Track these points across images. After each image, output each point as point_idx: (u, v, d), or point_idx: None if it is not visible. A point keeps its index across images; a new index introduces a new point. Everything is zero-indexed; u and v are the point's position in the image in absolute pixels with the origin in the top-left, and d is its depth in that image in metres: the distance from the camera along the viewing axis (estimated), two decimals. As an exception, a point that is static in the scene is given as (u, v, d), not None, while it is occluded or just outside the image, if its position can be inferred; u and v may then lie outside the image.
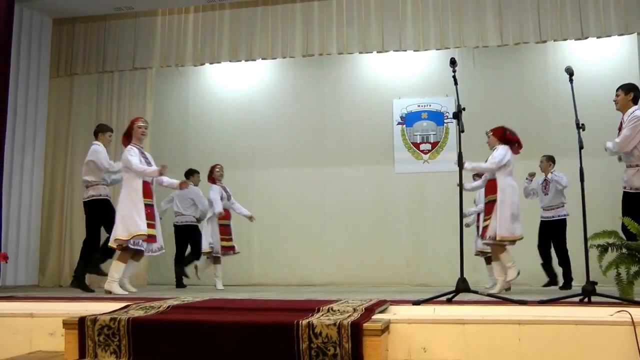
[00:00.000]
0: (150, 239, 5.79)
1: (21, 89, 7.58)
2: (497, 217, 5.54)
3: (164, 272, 8.44)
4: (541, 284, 6.90)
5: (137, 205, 5.67)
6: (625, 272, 4.43)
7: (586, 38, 6.97)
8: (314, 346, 3.19)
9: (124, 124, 7.97)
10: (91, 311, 3.78)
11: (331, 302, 3.88)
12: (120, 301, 4.20)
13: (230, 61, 7.99)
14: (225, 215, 7.12)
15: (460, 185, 4.57)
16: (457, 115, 4.47)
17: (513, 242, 5.63)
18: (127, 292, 5.69)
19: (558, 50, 8.04)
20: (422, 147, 8.54)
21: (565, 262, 6.84)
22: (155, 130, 8.24)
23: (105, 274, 6.05)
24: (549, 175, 6.99)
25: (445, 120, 8.51)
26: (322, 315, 3.44)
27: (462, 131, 4.43)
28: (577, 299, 4.07)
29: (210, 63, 8.13)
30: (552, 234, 6.98)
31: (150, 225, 5.77)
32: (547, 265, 6.99)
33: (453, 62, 4.59)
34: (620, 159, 5.48)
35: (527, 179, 7.23)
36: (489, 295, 4.46)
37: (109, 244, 5.79)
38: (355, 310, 3.53)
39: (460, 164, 4.56)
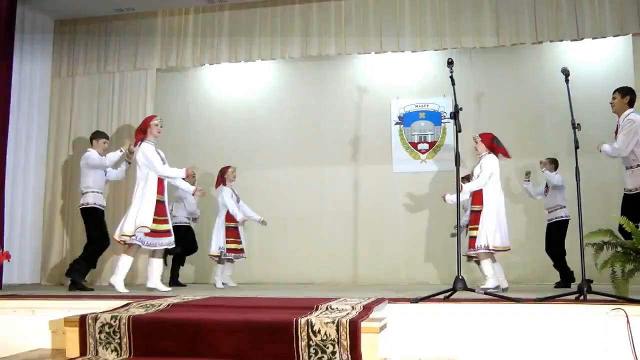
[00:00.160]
0: (160, 234, 5.84)
1: (23, 90, 7.60)
2: (485, 227, 5.55)
3: (165, 272, 8.45)
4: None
5: (148, 202, 5.76)
6: (620, 270, 4.47)
7: (582, 39, 6.99)
8: (313, 344, 3.22)
9: (125, 124, 8.06)
10: (92, 309, 3.80)
11: (330, 300, 3.91)
12: (121, 299, 4.24)
13: (230, 62, 8.01)
14: (233, 217, 7.19)
15: (458, 185, 4.61)
16: (454, 115, 4.52)
17: (504, 251, 5.65)
18: (127, 291, 5.74)
19: (554, 51, 8.07)
20: (420, 146, 8.58)
21: (559, 265, 6.80)
22: (156, 131, 8.27)
23: (89, 289, 6.17)
24: (544, 173, 6.95)
25: (443, 120, 8.54)
26: (321, 313, 3.47)
27: (460, 131, 4.48)
28: (573, 296, 4.12)
29: (210, 64, 8.15)
30: (552, 235, 6.98)
31: (161, 221, 5.85)
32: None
33: (450, 63, 4.63)
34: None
35: (525, 180, 7.25)
36: (486, 293, 4.50)
37: (114, 236, 5.87)
38: (353, 308, 3.56)
39: (458, 163, 4.60)
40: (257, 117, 8.99)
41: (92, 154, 6.47)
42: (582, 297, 4.03)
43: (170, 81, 9.13)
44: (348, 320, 3.23)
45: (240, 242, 7.30)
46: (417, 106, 8.62)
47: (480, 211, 5.63)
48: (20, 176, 7.51)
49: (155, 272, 6.00)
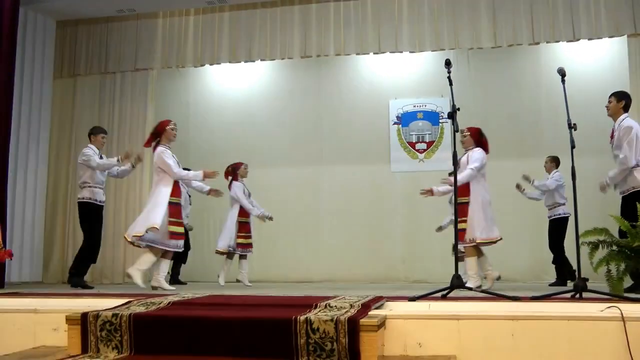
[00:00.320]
0: (176, 236, 5.89)
1: (25, 90, 7.65)
2: (472, 220, 5.54)
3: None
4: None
5: (161, 204, 5.80)
6: (615, 268, 4.48)
7: (578, 40, 7.04)
8: (312, 341, 3.22)
9: (126, 124, 8.10)
10: (93, 307, 3.78)
11: (328, 298, 3.91)
12: (121, 297, 4.26)
13: (230, 62, 8.06)
14: (245, 212, 7.19)
15: (455, 185, 4.65)
16: (452, 116, 4.52)
17: (491, 243, 5.60)
18: (144, 286, 5.77)
19: (550, 51, 8.12)
20: (418, 146, 8.62)
21: (558, 260, 6.84)
22: (156, 131, 8.30)
23: (89, 287, 6.17)
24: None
25: (440, 120, 8.59)
26: (320, 311, 3.47)
27: (457, 131, 4.50)
28: (568, 295, 4.14)
29: (210, 64, 8.20)
30: (551, 232, 7.01)
31: (177, 224, 5.90)
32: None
33: (448, 63, 4.63)
34: None
35: (522, 190, 7.27)
36: (483, 291, 4.53)
37: (125, 236, 5.89)
38: (352, 306, 3.56)
39: (455, 162, 4.63)
40: (257, 117, 9.03)
41: (88, 151, 6.44)
42: (577, 296, 4.07)
43: (171, 81, 9.17)
44: (346, 318, 3.23)
45: (249, 237, 7.26)
46: (415, 106, 8.67)
47: (467, 203, 5.60)
48: (22, 175, 7.55)
49: (162, 272, 6.04)
